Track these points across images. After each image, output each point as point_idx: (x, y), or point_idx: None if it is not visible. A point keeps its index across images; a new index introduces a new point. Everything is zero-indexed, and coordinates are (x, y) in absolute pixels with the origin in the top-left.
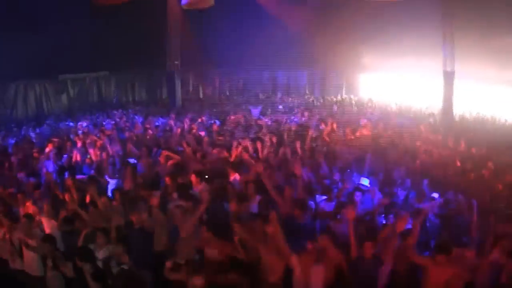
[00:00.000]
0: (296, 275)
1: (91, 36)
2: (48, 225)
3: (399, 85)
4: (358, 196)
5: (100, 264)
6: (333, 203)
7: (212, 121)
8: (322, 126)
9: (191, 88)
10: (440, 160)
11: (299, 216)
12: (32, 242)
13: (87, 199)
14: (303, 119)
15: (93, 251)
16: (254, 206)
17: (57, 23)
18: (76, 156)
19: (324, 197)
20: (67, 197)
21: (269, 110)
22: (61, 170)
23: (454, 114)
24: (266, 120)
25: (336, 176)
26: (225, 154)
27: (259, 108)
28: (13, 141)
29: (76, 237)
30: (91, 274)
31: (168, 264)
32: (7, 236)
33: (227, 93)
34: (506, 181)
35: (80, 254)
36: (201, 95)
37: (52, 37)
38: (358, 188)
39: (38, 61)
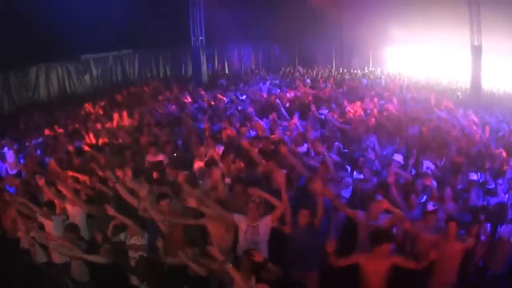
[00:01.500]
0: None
1: (114, 15)
2: (72, 212)
3: (426, 58)
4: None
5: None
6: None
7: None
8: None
9: (216, 64)
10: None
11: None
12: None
13: None
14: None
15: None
16: None
17: (77, 2)
18: None
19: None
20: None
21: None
22: None
23: (481, 89)
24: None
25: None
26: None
27: (267, 83)
28: None
29: (103, 224)
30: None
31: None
32: (29, 227)
33: (252, 68)
34: None
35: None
36: (226, 71)
37: (73, 17)
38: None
39: (59, 42)
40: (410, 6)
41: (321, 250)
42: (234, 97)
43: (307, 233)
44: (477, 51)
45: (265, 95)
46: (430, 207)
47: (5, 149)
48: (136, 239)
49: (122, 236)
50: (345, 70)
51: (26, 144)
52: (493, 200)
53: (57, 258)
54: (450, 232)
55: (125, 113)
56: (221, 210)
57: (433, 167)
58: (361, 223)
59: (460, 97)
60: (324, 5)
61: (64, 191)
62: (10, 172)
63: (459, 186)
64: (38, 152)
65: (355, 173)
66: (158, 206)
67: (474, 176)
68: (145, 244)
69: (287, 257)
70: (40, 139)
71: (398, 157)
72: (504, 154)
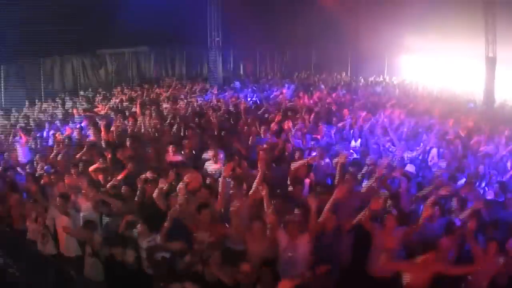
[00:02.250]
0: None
1: (129, 11)
2: (84, 207)
3: (441, 68)
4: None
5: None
6: None
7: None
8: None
9: (231, 65)
10: None
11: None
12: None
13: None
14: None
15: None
16: None
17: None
18: None
19: None
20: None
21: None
22: None
23: (495, 100)
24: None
25: None
26: None
27: (292, 87)
28: None
29: (117, 222)
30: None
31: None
32: (39, 218)
33: (267, 71)
34: None
35: (122, 241)
36: (241, 72)
37: (89, 12)
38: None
39: (75, 36)
40: (426, 15)
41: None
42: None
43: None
44: (491, 62)
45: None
46: (457, 222)
47: (17, 138)
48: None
49: (135, 232)
50: (360, 78)
51: (39, 134)
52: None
53: (67, 251)
54: (490, 251)
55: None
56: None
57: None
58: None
59: (472, 106)
60: (340, 12)
61: (81, 184)
62: (21, 161)
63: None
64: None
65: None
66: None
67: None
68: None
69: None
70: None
71: (411, 168)
72: None
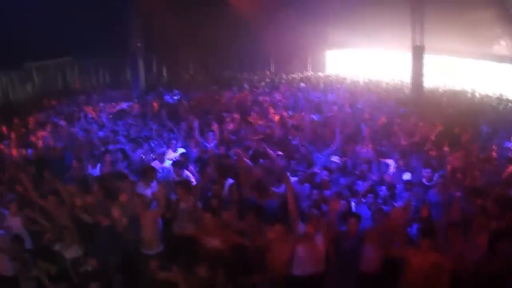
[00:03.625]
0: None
1: (52, 21)
2: (14, 224)
3: (367, 61)
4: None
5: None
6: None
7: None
8: None
9: (154, 71)
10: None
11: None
12: None
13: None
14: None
15: (60, 251)
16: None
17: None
18: None
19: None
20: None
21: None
22: None
23: (424, 88)
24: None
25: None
26: None
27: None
28: None
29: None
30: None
31: (155, 264)
32: None
33: (191, 74)
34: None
35: (44, 255)
36: (164, 78)
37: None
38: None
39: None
40: (349, 9)
41: None
42: None
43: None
44: (419, 51)
45: None
46: None
47: None
48: (73, 250)
49: (57, 246)
50: (283, 75)
51: None
52: None
53: (5, 270)
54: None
55: None
56: None
57: None
58: None
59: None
60: (259, 10)
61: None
62: None
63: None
64: None
65: None
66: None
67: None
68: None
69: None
70: None
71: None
72: None
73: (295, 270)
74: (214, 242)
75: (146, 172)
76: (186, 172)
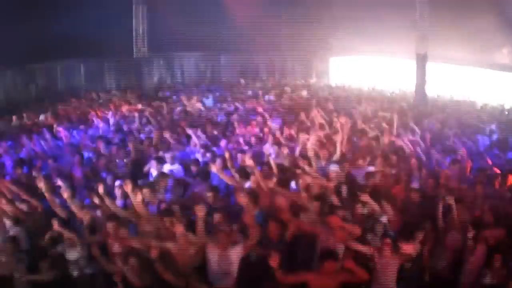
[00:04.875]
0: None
1: (56, 24)
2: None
3: (371, 68)
4: None
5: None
6: None
7: None
8: None
9: (159, 75)
10: None
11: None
12: None
13: None
14: None
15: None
16: None
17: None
18: None
19: None
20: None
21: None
22: None
23: (427, 97)
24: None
25: None
26: None
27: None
28: None
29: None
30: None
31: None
32: None
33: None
34: None
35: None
36: (169, 81)
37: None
38: None
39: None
40: (353, 16)
41: None
42: None
43: None
44: (422, 59)
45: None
46: None
47: None
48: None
49: (59, 248)
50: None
51: None
52: None
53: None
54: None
55: None
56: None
57: None
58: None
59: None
60: (263, 16)
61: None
62: None
63: None
64: None
65: None
66: None
67: None
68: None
69: None
70: None
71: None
72: None
73: None
74: None
75: None
76: None
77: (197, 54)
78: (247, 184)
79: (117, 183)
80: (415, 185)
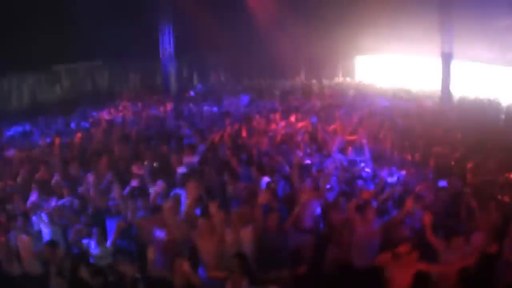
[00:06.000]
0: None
1: (83, 25)
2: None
3: (396, 67)
4: None
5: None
6: None
7: None
8: None
9: (184, 76)
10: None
11: None
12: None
13: None
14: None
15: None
16: None
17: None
18: None
19: None
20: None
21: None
22: None
23: (452, 96)
24: None
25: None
26: None
27: (247, 97)
28: None
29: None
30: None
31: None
32: (2, 238)
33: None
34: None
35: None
36: (195, 82)
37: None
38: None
39: (31, 52)
40: (379, 15)
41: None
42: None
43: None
44: (447, 58)
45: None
46: None
47: None
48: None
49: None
50: (314, 81)
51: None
52: None
53: (30, 270)
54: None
55: None
56: None
57: None
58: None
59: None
60: (290, 16)
61: None
62: None
63: None
64: None
65: None
66: None
67: None
68: None
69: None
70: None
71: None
72: None
73: None
74: None
75: None
76: None
77: (222, 55)
78: None
79: None
80: None
